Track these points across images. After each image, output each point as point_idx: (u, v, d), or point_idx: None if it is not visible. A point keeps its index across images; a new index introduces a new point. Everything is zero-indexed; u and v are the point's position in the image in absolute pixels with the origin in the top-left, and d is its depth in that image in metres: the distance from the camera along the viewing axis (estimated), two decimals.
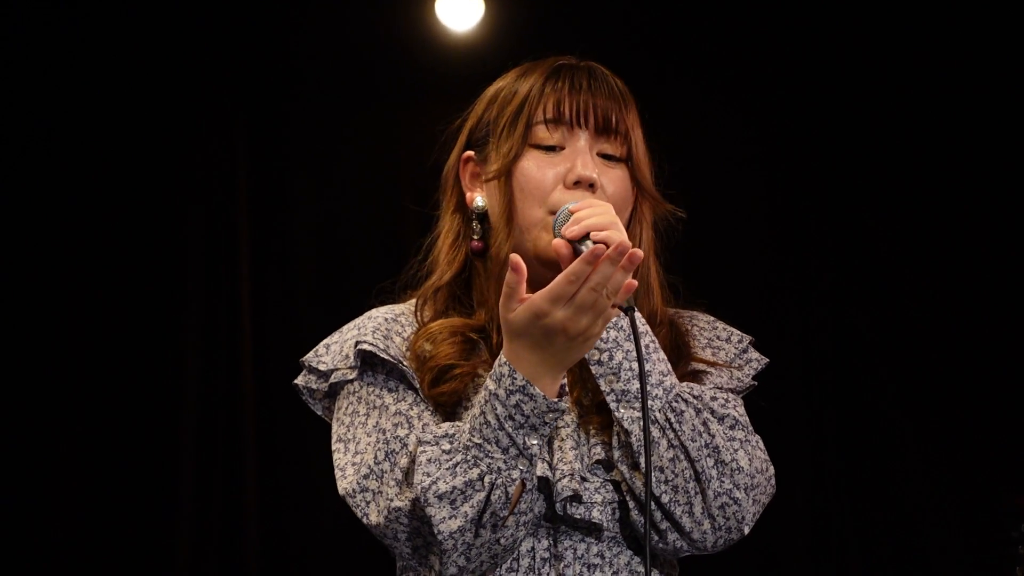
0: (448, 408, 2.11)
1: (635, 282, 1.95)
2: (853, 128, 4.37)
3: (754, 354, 2.24)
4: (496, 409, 1.98)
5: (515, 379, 1.98)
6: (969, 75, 4.26)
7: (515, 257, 1.96)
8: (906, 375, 4.30)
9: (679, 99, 4.29)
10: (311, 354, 2.21)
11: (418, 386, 2.12)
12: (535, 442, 1.99)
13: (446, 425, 2.05)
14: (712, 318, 2.28)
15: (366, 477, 2.06)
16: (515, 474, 1.99)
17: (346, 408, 2.15)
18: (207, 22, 4.29)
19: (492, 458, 1.99)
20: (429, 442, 2.03)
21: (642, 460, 2.03)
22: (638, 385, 2.04)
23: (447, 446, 2.01)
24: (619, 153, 2.17)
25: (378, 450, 2.07)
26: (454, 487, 1.99)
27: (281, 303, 4.34)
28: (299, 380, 2.21)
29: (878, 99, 4.34)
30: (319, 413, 2.22)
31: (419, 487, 1.99)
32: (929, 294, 4.30)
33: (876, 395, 4.32)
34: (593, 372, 2.08)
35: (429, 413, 2.10)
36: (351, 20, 4.36)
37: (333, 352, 2.18)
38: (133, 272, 4.22)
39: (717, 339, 2.24)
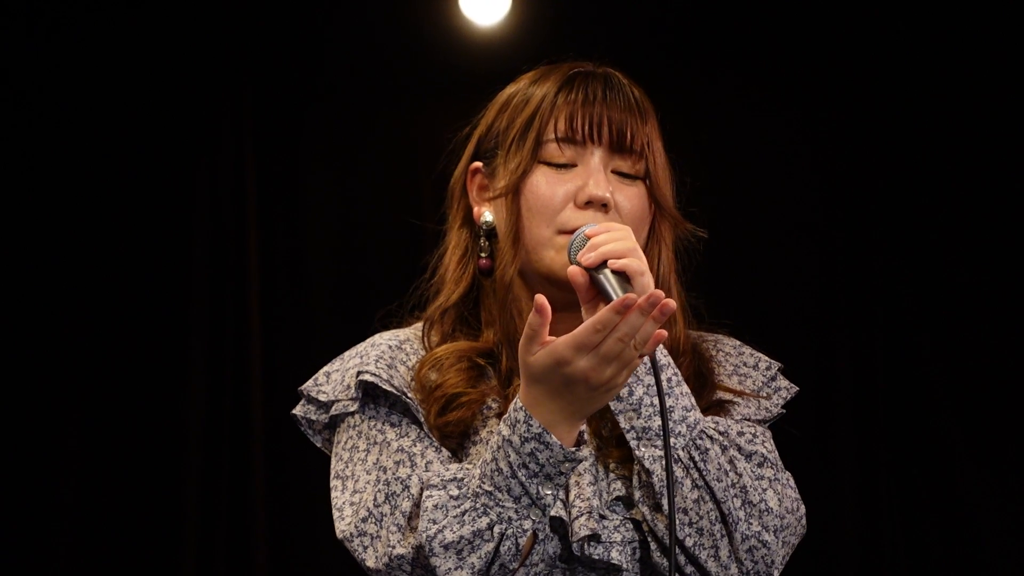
0: (455, 439, 2.03)
1: (664, 332, 1.86)
2: (901, 132, 4.25)
3: (783, 382, 2.15)
4: (509, 456, 1.89)
5: (531, 426, 1.88)
6: None
7: (540, 298, 1.86)
8: (966, 398, 4.18)
9: (710, 102, 4.22)
10: (310, 382, 2.12)
11: (423, 419, 2.03)
12: (549, 492, 1.90)
13: (454, 468, 1.96)
14: (738, 343, 2.18)
15: (364, 520, 1.98)
16: (527, 524, 1.90)
17: (345, 443, 2.06)
18: (221, 17, 4.22)
19: (503, 507, 1.90)
20: (436, 486, 1.93)
21: (664, 501, 1.94)
22: (659, 422, 1.95)
23: (455, 491, 1.92)
24: (635, 170, 2.07)
25: (378, 491, 1.98)
26: (461, 536, 1.90)
27: (293, 317, 4.27)
28: (298, 410, 2.13)
29: (928, 107, 4.23)
30: (318, 445, 2.14)
31: (424, 535, 1.91)
32: (991, 307, 4.19)
33: (931, 417, 4.20)
34: (612, 408, 1.98)
35: (433, 450, 2.01)
36: (370, 14, 4.28)
37: (334, 381, 2.09)
38: (137, 285, 4.16)
39: (744, 365, 2.14)
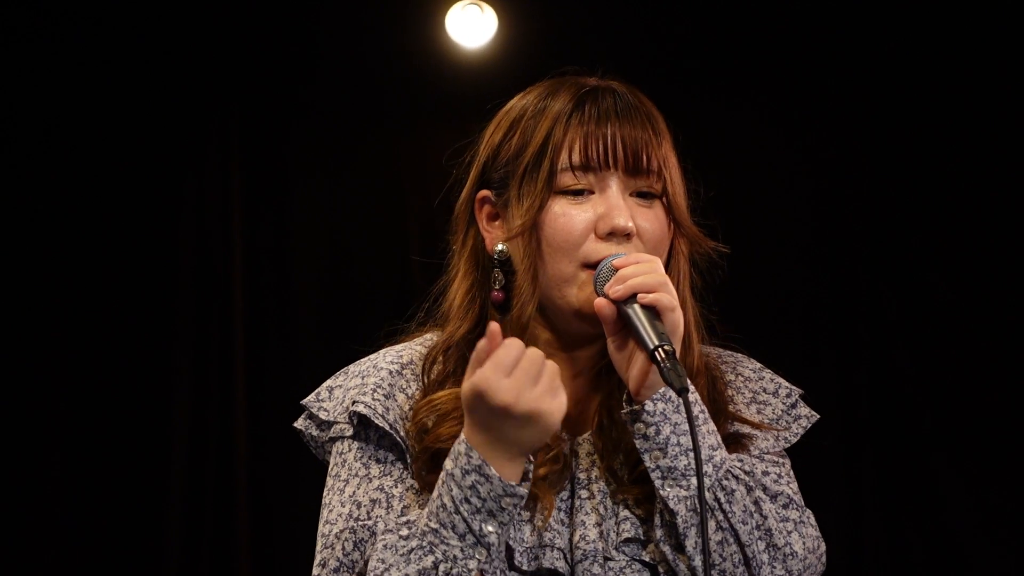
0: None
1: None
2: (910, 149, 4.26)
3: (804, 410, 2.07)
4: (452, 491, 1.83)
5: (471, 458, 1.82)
6: None
7: (494, 326, 1.79)
8: (947, 408, 4.20)
9: (697, 121, 4.14)
10: (312, 397, 2.05)
11: (410, 457, 1.96)
12: (492, 530, 1.83)
13: (414, 513, 1.91)
14: (759, 366, 2.10)
15: (336, 571, 1.92)
16: (471, 564, 1.83)
17: (332, 468, 2.00)
18: (209, 35, 4.20)
19: (448, 545, 1.83)
20: (391, 530, 1.88)
21: (687, 543, 1.87)
22: (686, 462, 1.88)
23: (405, 532, 1.86)
24: (653, 189, 1.98)
25: (346, 539, 1.92)
26: (406, 575, 1.83)
27: (277, 330, 4.26)
28: (299, 424, 2.06)
29: (914, 124, 4.24)
30: (321, 459, 2.07)
31: (372, 575, 1.84)
32: (971, 319, 4.20)
33: (917, 439, 4.22)
34: (638, 446, 1.90)
35: (413, 492, 1.95)
36: (358, 33, 4.26)
37: (335, 399, 2.02)
38: (121, 297, 4.14)
39: (763, 392, 2.06)
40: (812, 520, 1.95)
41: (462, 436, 1.84)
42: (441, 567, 1.83)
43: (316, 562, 1.95)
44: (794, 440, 2.04)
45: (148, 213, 4.17)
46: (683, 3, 4.31)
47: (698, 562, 1.87)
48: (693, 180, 2.05)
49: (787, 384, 2.08)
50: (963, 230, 4.22)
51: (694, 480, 1.87)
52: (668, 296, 1.86)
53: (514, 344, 1.80)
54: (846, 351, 4.27)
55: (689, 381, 1.89)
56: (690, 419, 1.82)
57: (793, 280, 4.29)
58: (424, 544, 1.84)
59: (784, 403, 2.05)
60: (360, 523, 1.93)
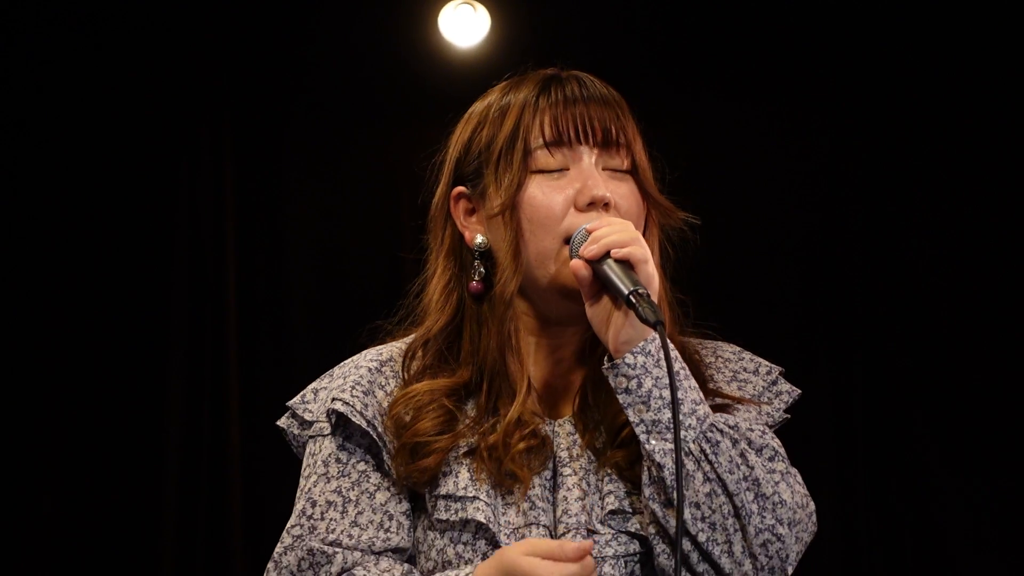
0: (421, 485, 1.96)
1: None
2: (906, 148, 4.28)
3: (784, 385, 2.07)
4: None
5: None
6: None
7: (587, 545, 1.85)
8: (940, 402, 4.21)
9: (694, 118, 4.21)
10: (297, 399, 2.07)
11: (389, 453, 1.97)
12: None
13: (384, 565, 1.94)
14: (738, 348, 2.11)
15: None
16: None
17: (303, 466, 2.03)
18: (201, 35, 4.21)
19: None
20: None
21: (675, 496, 1.86)
22: (669, 415, 1.88)
23: (335, 514, 1.93)
24: (624, 165, 2.01)
25: (300, 551, 1.96)
26: None
27: (271, 329, 4.27)
28: (282, 422, 2.08)
29: (929, 115, 4.25)
30: (300, 457, 2.07)
31: None
32: (965, 321, 4.21)
33: (908, 423, 4.23)
34: (620, 401, 1.90)
35: (367, 497, 1.97)
36: (351, 33, 4.26)
37: (320, 400, 2.04)
38: (114, 299, 4.15)
39: (744, 371, 2.07)
40: (799, 479, 1.95)
41: (475, 566, 1.90)
42: None
43: (273, 553, 1.98)
44: (777, 416, 2.04)
45: (141, 214, 4.18)
46: (677, 1, 4.30)
47: (688, 515, 1.87)
48: (660, 164, 2.07)
49: (767, 363, 2.09)
50: (958, 226, 4.23)
51: (680, 432, 1.87)
52: (640, 249, 1.88)
53: (588, 565, 1.84)
54: (840, 349, 4.28)
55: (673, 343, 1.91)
56: (666, 351, 1.83)
57: (787, 277, 4.30)
58: None
59: (764, 380, 2.06)
60: (312, 522, 1.96)
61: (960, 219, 4.22)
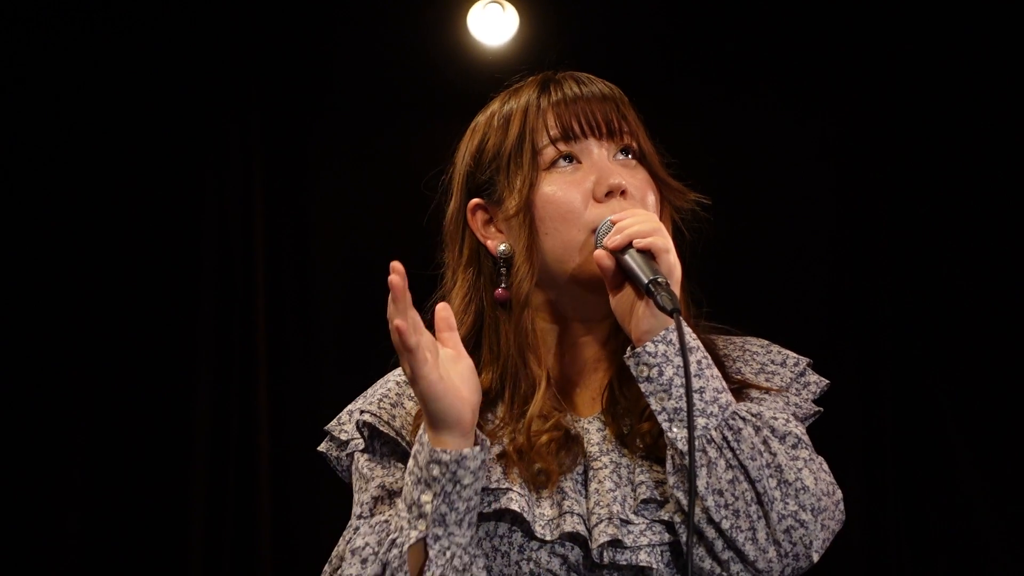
0: None
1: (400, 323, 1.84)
2: (937, 148, 4.26)
3: (812, 376, 2.09)
4: (409, 464, 1.91)
5: (420, 432, 1.90)
6: None
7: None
8: (970, 395, 4.19)
9: (718, 114, 4.22)
10: (334, 422, 2.10)
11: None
12: (427, 500, 1.87)
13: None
14: (766, 342, 2.13)
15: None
16: (413, 535, 1.88)
17: (353, 485, 2.06)
18: (228, 38, 4.22)
19: (400, 516, 1.90)
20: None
21: (700, 484, 1.88)
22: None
23: (386, 506, 1.96)
24: (633, 154, 2.05)
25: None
26: (367, 543, 1.92)
27: (299, 339, 4.27)
28: (322, 447, 2.11)
29: (936, 120, 4.24)
30: (346, 481, 2.11)
31: (347, 546, 1.94)
32: (992, 315, 4.19)
33: (935, 420, 4.21)
34: (643, 390, 1.92)
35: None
36: (379, 33, 4.27)
37: (354, 419, 2.07)
38: (143, 303, 4.16)
39: (771, 363, 2.09)
40: (825, 467, 1.95)
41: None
42: (390, 537, 1.89)
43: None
44: (807, 408, 2.05)
45: (169, 216, 4.19)
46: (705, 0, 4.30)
47: (711, 502, 1.87)
48: (666, 153, 2.09)
49: (795, 355, 2.11)
50: (988, 227, 4.21)
51: (701, 420, 1.89)
52: (662, 239, 1.90)
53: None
54: (868, 352, 4.26)
55: (693, 333, 1.93)
56: (681, 338, 1.84)
57: (815, 279, 4.29)
58: (389, 517, 1.93)
59: (792, 371, 2.08)
60: (362, 520, 1.98)
61: (994, 214, 4.20)
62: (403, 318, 1.83)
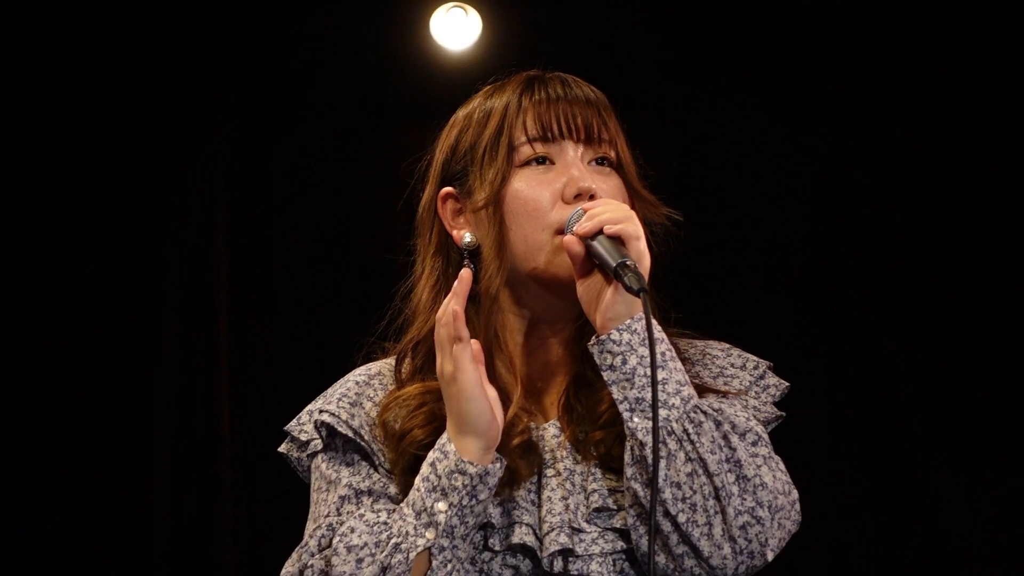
0: None
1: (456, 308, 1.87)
2: (906, 146, 4.26)
3: (772, 379, 2.09)
4: (424, 471, 1.89)
5: (442, 440, 1.89)
6: None
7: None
8: (941, 395, 4.20)
9: (692, 117, 4.23)
10: (294, 422, 2.09)
11: (380, 460, 2.00)
12: (442, 508, 1.87)
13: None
14: (727, 345, 2.13)
15: (310, 555, 1.97)
16: (420, 542, 1.87)
17: (312, 484, 2.06)
18: (194, 37, 4.21)
19: (405, 521, 1.89)
20: (371, 509, 1.95)
21: (659, 476, 1.87)
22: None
23: (381, 506, 1.95)
24: (609, 162, 2.05)
25: (321, 536, 1.97)
26: (364, 543, 1.88)
27: (262, 339, 4.25)
28: (283, 448, 2.11)
29: (933, 119, 4.24)
30: (306, 481, 2.10)
31: (337, 539, 1.90)
32: (963, 315, 4.20)
33: (909, 437, 4.22)
34: (605, 378, 1.92)
35: (381, 485, 1.99)
36: (341, 38, 4.27)
37: (313, 419, 2.06)
38: (105, 306, 4.14)
39: (731, 367, 2.09)
40: (782, 467, 1.95)
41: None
42: (392, 541, 1.87)
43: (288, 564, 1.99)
44: (767, 411, 2.05)
45: (131, 216, 4.18)
46: (670, 2, 4.30)
47: (668, 495, 1.87)
48: (642, 163, 2.10)
49: (755, 358, 2.11)
50: (958, 224, 4.22)
51: (663, 411, 1.88)
52: (633, 226, 1.91)
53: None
54: (837, 352, 4.27)
55: (659, 326, 1.93)
56: (648, 320, 1.84)
57: (782, 273, 4.29)
58: (389, 520, 1.89)
59: (752, 375, 2.08)
60: (328, 520, 1.97)
61: (964, 211, 4.21)
62: (460, 308, 1.86)
